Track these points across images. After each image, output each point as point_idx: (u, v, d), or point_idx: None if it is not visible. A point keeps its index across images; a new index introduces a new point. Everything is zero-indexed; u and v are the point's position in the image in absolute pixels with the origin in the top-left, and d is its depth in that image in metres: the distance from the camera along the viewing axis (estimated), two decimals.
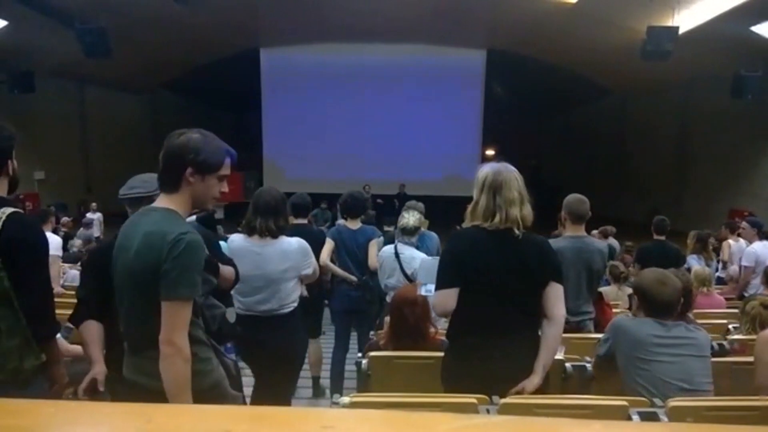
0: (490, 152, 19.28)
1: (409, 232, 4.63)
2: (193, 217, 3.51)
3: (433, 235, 5.57)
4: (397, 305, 3.25)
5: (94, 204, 13.26)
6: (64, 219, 11.39)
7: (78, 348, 3.78)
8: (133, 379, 2.17)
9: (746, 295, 5.94)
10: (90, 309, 2.72)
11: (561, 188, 18.86)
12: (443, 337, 3.01)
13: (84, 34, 11.57)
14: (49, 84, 14.70)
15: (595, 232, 7.89)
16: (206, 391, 2.17)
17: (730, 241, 7.32)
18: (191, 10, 12.01)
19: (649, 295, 2.90)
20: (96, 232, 11.80)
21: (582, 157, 21.14)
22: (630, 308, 5.05)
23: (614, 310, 4.96)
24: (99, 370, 2.57)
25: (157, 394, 2.02)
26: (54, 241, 6.25)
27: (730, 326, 4.17)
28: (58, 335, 3.39)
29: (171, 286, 2.00)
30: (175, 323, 2.01)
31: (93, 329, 2.69)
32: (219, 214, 14.65)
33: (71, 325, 3.91)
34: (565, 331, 3.59)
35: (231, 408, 1.27)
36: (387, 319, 3.51)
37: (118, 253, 2.17)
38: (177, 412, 1.09)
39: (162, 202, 2.18)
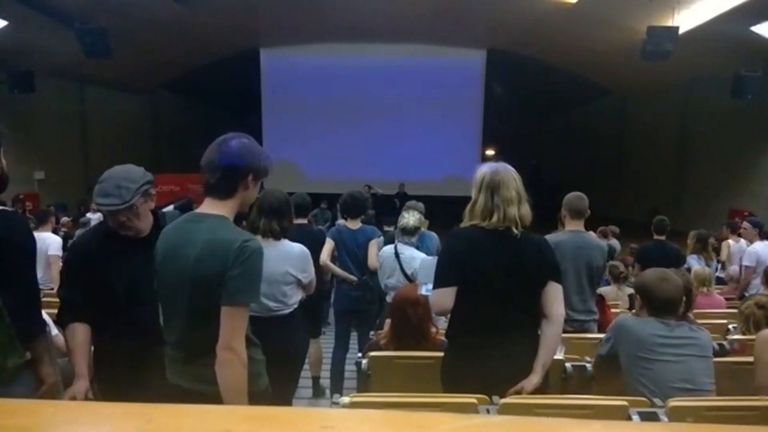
0: (489, 152, 19.30)
1: (408, 232, 4.64)
2: (171, 206, 3.49)
3: (433, 235, 5.58)
4: (399, 305, 3.25)
5: (93, 204, 13.23)
6: (64, 219, 11.38)
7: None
8: (187, 387, 2.16)
9: (747, 295, 5.95)
10: (75, 310, 2.61)
11: (561, 188, 18.84)
12: (443, 338, 3.00)
13: (84, 34, 11.57)
14: (49, 84, 14.70)
15: (592, 233, 7.86)
16: (262, 393, 2.22)
17: (730, 241, 7.32)
18: (191, 10, 12.03)
19: (651, 293, 2.90)
20: None
21: (582, 157, 21.15)
22: (630, 308, 5.06)
23: (614, 310, 4.97)
24: (81, 386, 2.47)
25: (212, 400, 2.00)
26: (54, 241, 6.26)
27: (730, 326, 4.17)
28: (55, 333, 3.39)
29: (235, 292, 2.03)
30: (236, 328, 2.05)
31: (80, 333, 2.57)
32: None
33: None
34: (568, 332, 3.60)
35: (231, 408, 1.27)
36: (388, 321, 3.50)
37: (168, 261, 2.16)
38: (177, 412, 1.09)
39: (213, 207, 2.17)
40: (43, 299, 4.92)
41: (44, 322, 2.50)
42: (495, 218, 2.56)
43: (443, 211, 9.57)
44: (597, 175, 19.89)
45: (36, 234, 6.27)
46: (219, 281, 2.03)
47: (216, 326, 2.04)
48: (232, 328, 2.04)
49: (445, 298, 2.57)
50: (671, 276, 2.97)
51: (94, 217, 12.39)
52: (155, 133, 20.83)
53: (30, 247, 2.33)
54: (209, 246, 2.07)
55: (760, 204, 12.51)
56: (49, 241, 6.13)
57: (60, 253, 6.35)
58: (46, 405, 0.94)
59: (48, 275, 6.13)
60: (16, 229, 2.28)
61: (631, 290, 5.74)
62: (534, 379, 2.52)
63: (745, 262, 6.37)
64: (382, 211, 12.74)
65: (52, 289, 6.02)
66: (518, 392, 2.49)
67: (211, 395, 2.04)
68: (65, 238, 9.06)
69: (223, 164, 2.14)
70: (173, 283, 2.15)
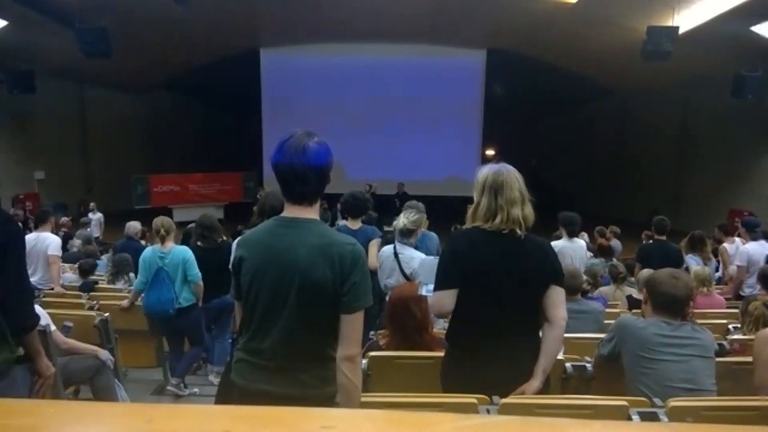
0: (490, 152, 19.31)
1: (403, 233, 4.62)
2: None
3: (433, 235, 5.57)
4: (398, 303, 3.22)
5: (93, 204, 13.27)
6: (63, 219, 11.39)
7: (76, 344, 3.79)
8: (279, 392, 2.12)
9: (742, 294, 5.98)
10: None
11: (562, 188, 18.89)
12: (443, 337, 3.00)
13: (84, 35, 11.57)
14: (49, 84, 14.71)
15: (584, 234, 7.85)
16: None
17: (725, 244, 7.34)
18: (191, 10, 12.01)
19: (660, 288, 2.88)
20: (95, 232, 11.79)
21: (582, 156, 21.16)
22: (630, 309, 5.07)
23: (614, 311, 4.97)
24: None
25: (310, 403, 2.00)
26: (54, 241, 6.26)
27: (730, 326, 4.17)
28: (53, 329, 3.39)
29: (357, 298, 2.05)
30: (358, 332, 2.09)
31: None
32: (219, 214, 14.72)
33: (70, 324, 3.92)
34: None
35: (231, 408, 1.27)
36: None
37: (267, 267, 2.11)
38: (177, 413, 1.09)
39: (303, 212, 2.14)
40: (44, 299, 4.96)
41: (37, 316, 2.50)
42: (498, 219, 2.52)
43: (443, 211, 9.59)
44: (597, 174, 19.91)
45: (35, 234, 6.30)
46: (334, 287, 2.03)
47: (320, 331, 2.08)
48: (358, 330, 2.08)
49: (445, 300, 2.54)
50: (683, 276, 2.98)
51: (95, 218, 12.42)
52: (155, 133, 20.84)
53: (18, 243, 2.35)
54: (320, 251, 2.04)
55: (761, 203, 12.51)
56: (48, 242, 6.13)
57: (59, 253, 6.35)
58: (46, 405, 0.94)
59: (47, 275, 6.13)
60: (4, 227, 2.30)
61: (630, 290, 5.75)
62: (534, 383, 2.49)
63: (737, 262, 6.41)
64: (382, 211, 12.74)
65: (52, 288, 6.04)
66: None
67: (312, 399, 2.07)
68: (65, 239, 9.08)
69: (311, 168, 2.08)
70: (274, 290, 2.10)
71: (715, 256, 7.39)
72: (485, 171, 2.63)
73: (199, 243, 5.50)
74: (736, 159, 13.76)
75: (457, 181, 16.16)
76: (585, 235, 7.79)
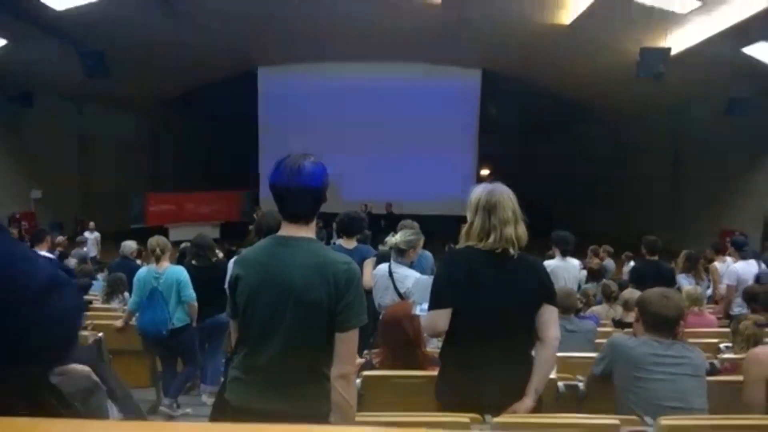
0: (484, 172, 19.36)
1: (397, 252, 4.62)
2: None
3: (428, 254, 5.57)
4: (391, 321, 3.22)
5: (92, 223, 13.24)
6: (59, 238, 11.37)
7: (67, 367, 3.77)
8: (270, 409, 2.12)
9: (732, 313, 6.04)
10: None
11: (555, 209, 18.90)
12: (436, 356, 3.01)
13: (83, 55, 11.67)
14: (47, 103, 14.79)
15: (578, 262, 7.81)
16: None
17: (717, 263, 7.40)
18: (189, 28, 12.14)
19: (653, 309, 2.90)
20: (92, 251, 11.76)
21: (576, 176, 21.23)
22: (622, 328, 5.08)
23: (606, 329, 4.99)
24: None
25: (304, 420, 2.08)
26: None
27: (722, 345, 4.19)
28: None
29: (353, 315, 2.09)
30: (352, 350, 2.13)
31: None
32: (214, 234, 14.70)
33: None
34: None
35: (225, 425, 1.27)
36: None
37: (265, 285, 2.14)
38: (170, 429, 1.10)
39: (299, 231, 2.18)
40: None
41: None
42: (492, 239, 2.55)
43: (437, 230, 9.62)
44: (591, 194, 19.97)
45: None
46: (329, 306, 2.06)
47: (315, 349, 2.10)
48: (353, 347, 2.12)
49: (439, 319, 2.55)
50: (674, 295, 3.02)
51: (91, 237, 12.40)
52: (153, 152, 20.86)
53: None
54: (316, 270, 2.08)
55: (752, 222, 12.59)
56: None
57: None
58: (41, 423, 0.95)
59: None
60: None
61: (621, 309, 5.77)
62: (527, 402, 2.50)
63: (726, 281, 6.47)
64: (377, 229, 12.76)
65: None
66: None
67: (307, 417, 2.10)
68: (60, 257, 9.07)
69: (307, 188, 2.14)
70: (270, 308, 2.12)
71: (707, 273, 7.45)
72: (479, 191, 2.67)
73: (193, 262, 5.51)
74: (727, 178, 13.87)
75: (452, 201, 16.19)
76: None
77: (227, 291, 2.35)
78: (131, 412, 1.84)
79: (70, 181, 17.41)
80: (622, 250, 10.01)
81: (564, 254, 6.01)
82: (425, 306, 2.78)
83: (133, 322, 5.22)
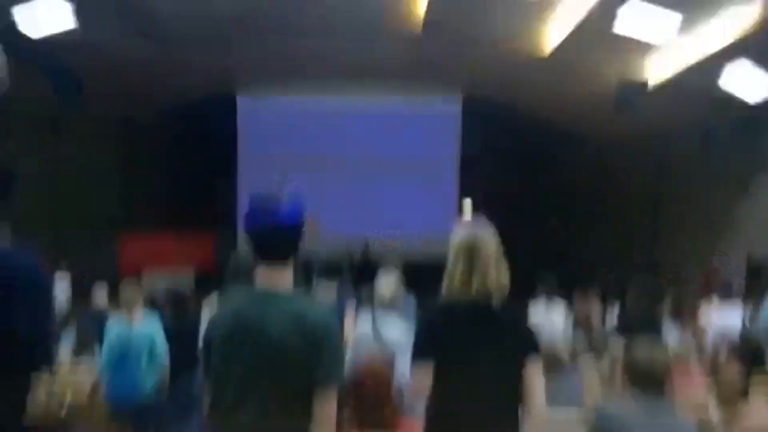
0: (467, 200, 19.10)
1: (385, 304, 4.35)
2: None
3: (410, 298, 5.40)
4: (357, 378, 2.94)
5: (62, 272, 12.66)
6: None
7: None
8: None
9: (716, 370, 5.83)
10: None
11: (540, 246, 18.64)
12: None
13: (54, 78, 11.20)
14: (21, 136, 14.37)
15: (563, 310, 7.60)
16: None
17: (702, 308, 7.31)
18: (162, 51, 11.93)
19: (638, 368, 2.84)
20: (62, 300, 11.19)
21: (559, 210, 20.95)
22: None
23: (592, 383, 4.81)
24: None
25: None
26: None
27: (710, 406, 3.99)
28: None
29: (335, 370, 2.02)
30: (331, 411, 2.02)
31: None
32: (189, 280, 14.01)
33: None
34: None
35: None
36: None
37: (240, 345, 2.04)
38: None
39: (277, 274, 2.12)
40: None
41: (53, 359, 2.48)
42: (474, 286, 2.50)
43: (419, 270, 9.28)
44: (574, 230, 19.84)
45: None
46: (307, 362, 1.97)
47: (294, 408, 1.99)
48: (327, 412, 2.00)
49: (422, 378, 2.49)
50: (659, 350, 2.96)
51: (60, 285, 11.86)
52: (126, 189, 20.23)
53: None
54: (294, 325, 2.00)
55: (738, 254, 12.53)
56: None
57: None
58: None
59: None
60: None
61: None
62: None
63: (710, 338, 6.36)
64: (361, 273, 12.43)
65: None
66: None
67: None
68: None
69: (282, 228, 2.08)
70: (247, 367, 2.02)
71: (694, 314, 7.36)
72: (460, 234, 2.65)
73: (167, 312, 5.32)
74: (710, 210, 13.81)
75: (434, 239, 15.93)
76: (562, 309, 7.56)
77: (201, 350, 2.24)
78: None
79: (40, 223, 16.84)
80: (603, 277, 9.78)
81: (549, 294, 5.93)
82: (406, 359, 2.64)
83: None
